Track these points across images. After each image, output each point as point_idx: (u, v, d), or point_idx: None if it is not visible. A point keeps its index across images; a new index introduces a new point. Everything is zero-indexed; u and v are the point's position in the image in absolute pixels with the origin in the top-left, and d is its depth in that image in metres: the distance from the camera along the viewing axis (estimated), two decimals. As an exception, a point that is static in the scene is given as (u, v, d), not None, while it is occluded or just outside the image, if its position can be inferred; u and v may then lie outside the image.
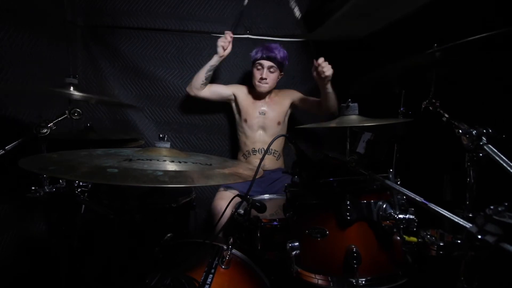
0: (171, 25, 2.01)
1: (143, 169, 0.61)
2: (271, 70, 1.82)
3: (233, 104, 1.99)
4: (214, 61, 1.81)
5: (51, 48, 1.69)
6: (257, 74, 1.84)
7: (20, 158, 0.66)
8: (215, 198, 1.72)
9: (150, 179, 0.57)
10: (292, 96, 1.96)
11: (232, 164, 0.82)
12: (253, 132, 1.92)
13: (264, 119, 1.91)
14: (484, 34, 0.74)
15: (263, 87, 1.84)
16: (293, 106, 1.97)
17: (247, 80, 2.11)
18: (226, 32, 1.81)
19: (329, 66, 1.57)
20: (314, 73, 1.62)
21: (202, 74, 1.83)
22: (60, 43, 1.79)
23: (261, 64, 1.81)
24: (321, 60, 1.56)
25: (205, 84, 1.87)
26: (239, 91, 1.97)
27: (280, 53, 1.81)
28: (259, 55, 1.80)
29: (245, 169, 0.80)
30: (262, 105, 1.92)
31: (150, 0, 1.97)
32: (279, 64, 1.82)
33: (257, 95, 1.94)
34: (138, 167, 0.62)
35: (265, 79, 1.81)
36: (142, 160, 0.69)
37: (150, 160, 0.69)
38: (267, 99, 1.94)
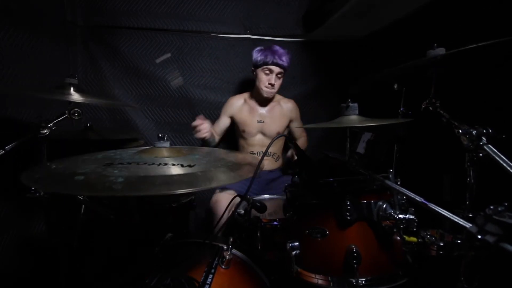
0: (171, 25, 2.01)
1: (107, 175, 0.63)
2: (279, 76, 1.80)
3: (233, 121, 1.97)
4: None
5: (51, 48, 1.69)
6: (264, 79, 1.80)
7: (20, 159, 0.66)
8: (211, 201, 1.70)
9: (103, 188, 0.59)
10: (292, 116, 1.95)
11: (219, 165, 0.80)
12: (252, 137, 1.92)
13: (263, 125, 1.89)
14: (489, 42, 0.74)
15: (270, 93, 1.82)
16: (290, 123, 1.98)
17: (247, 80, 2.12)
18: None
19: None
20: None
21: (211, 144, 1.84)
22: (60, 43, 1.79)
23: (270, 70, 1.77)
24: None
25: (216, 140, 1.90)
26: (234, 109, 1.94)
27: (288, 59, 1.79)
28: (269, 59, 1.75)
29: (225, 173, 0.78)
30: (261, 113, 1.90)
31: (150, 0, 1.97)
32: (286, 70, 1.82)
33: (254, 103, 1.91)
34: (107, 173, 0.64)
35: (273, 85, 1.79)
36: (122, 164, 0.71)
37: (130, 163, 0.71)
38: (266, 106, 1.91)
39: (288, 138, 1.22)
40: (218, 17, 2.06)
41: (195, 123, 1.64)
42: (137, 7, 1.96)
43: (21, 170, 0.65)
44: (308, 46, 2.19)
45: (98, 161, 0.74)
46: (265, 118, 1.89)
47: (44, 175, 0.70)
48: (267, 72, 1.79)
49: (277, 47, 1.79)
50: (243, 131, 1.91)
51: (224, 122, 1.96)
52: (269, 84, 1.79)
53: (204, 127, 1.64)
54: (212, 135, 1.76)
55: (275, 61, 1.75)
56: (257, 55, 1.79)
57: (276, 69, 1.77)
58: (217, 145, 2.11)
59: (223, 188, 1.75)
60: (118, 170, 0.67)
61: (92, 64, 1.97)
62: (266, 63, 1.76)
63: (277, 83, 1.81)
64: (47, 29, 1.65)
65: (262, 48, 1.80)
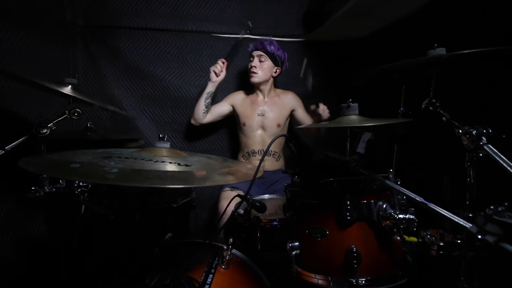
0: (171, 25, 2.01)
1: (103, 165, 0.64)
2: (261, 59, 1.83)
3: (234, 113, 1.99)
4: (210, 88, 1.85)
5: (51, 48, 1.69)
6: (249, 66, 1.87)
7: (20, 158, 0.66)
8: (220, 198, 1.73)
9: (96, 176, 0.61)
10: (293, 104, 1.95)
11: (209, 166, 0.80)
12: (253, 133, 1.91)
13: (264, 119, 1.90)
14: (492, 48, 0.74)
15: (253, 76, 1.84)
16: (292, 114, 1.96)
17: (247, 80, 2.11)
18: (219, 59, 1.85)
19: (327, 112, 1.72)
20: (312, 109, 1.78)
21: (202, 104, 1.87)
22: (60, 43, 1.78)
23: (252, 55, 1.86)
24: (322, 107, 1.71)
25: (207, 112, 1.91)
26: (236, 99, 1.97)
27: (271, 45, 1.83)
28: (250, 48, 1.86)
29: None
30: (261, 106, 1.91)
31: (150, 0, 1.97)
32: (270, 55, 1.83)
33: (255, 96, 1.93)
34: (104, 164, 0.65)
35: (255, 67, 1.83)
36: (119, 158, 0.72)
37: (127, 158, 0.72)
38: (266, 98, 1.92)
39: (288, 137, 1.22)
40: (218, 17, 2.06)
41: (218, 66, 1.82)
42: (137, 7, 1.96)
43: (21, 170, 0.65)
44: (308, 46, 2.19)
45: (97, 154, 0.75)
46: (265, 112, 1.90)
47: (41, 161, 0.72)
48: (251, 59, 1.87)
49: (270, 39, 1.90)
50: (244, 124, 1.92)
51: (222, 106, 1.98)
52: (251, 67, 1.85)
53: (221, 69, 1.82)
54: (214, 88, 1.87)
55: (257, 45, 1.84)
56: (251, 44, 1.89)
57: (256, 53, 1.84)
58: (203, 126, 2.01)
59: (233, 187, 1.76)
60: (115, 162, 0.68)
61: (92, 64, 1.97)
62: (249, 52, 1.88)
63: (260, 67, 1.84)
64: (47, 29, 1.65)
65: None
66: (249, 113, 1.91)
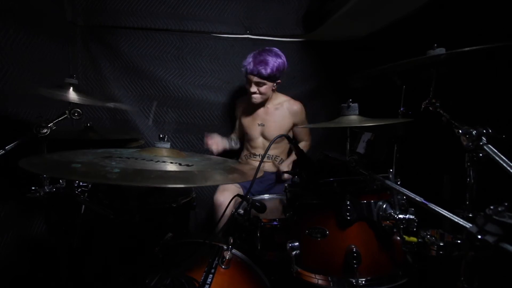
0: (171, 25, 2.01)
1: (104, 165, 0.64)
2: (260, 84, 1.73)
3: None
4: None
5: (51, 48, 1.68)
6: (247, 87, 1.78)
7: (20, 158, 0.66)
8: (217, 190, 1.74)
9: (98, 176, 0.60)
10: (296, 120, 1.87)
11: (210, 167, 0.80)
12: (254, 141, 1.92)
13: (264, 129, 1.87)
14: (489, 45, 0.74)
15: (254, 99, 1.78)
16: (293, 126, 1.90)
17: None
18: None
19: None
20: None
21: (231, 146, 1.93)
22: (60, 43, 1.78)
23: (249, 79, 1.74)
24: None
25: (237, 141, 1.97)
26: (240, 109, 1.98)
27: (268, 68, 1.67)
28: (248, 68, 1.71)
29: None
30: (261, 116, 1.87)
31: (150, 0, 1.97)
32: (269, 78, 1.70)
33: (255, 106, 1.88)
34: (105, 164, 0.65)
35: (255, 93, 1.75)
36: (120, 158, 0.72)
37: (128, 158, 0.72)
38: (265, 108, 1.87)
39: (288, 137, 1.21)
40: (218, 17, 2.06)
41: (206, 146, 1.84)
42: (137, 7, 1.96)
43: (21, 170, 0.65)
44: (308, 46, 2.19)
45: (98, 154, 0.75)
46: (266, 122, 1.86)
47: (42, 161, 0.72)
48: (248, 82, 1.76)
49: (263, 55, 1.71)
50: (246, 133, 1.93)
51: (239, 122, 2.00)
52: (250, 91, 1.76)
53: (211, 144, 1.82)
54: (226, 143, 1.90)
55: (252, 70, 1.70)
56: (245, 61, 1.75)
57: (254, 78, 1.71)
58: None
59: None
60: (116, 162, 0.67)
61: (92, 64, 1.97)
62: (246, 72, 1.74)
63: (260, 90, 1.75)
64: (47, 29, 1.65)
65: (253, 53, 1.75)
66: (250, 124, 1.90)
